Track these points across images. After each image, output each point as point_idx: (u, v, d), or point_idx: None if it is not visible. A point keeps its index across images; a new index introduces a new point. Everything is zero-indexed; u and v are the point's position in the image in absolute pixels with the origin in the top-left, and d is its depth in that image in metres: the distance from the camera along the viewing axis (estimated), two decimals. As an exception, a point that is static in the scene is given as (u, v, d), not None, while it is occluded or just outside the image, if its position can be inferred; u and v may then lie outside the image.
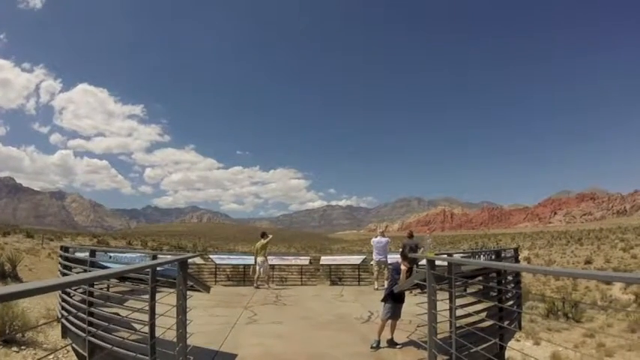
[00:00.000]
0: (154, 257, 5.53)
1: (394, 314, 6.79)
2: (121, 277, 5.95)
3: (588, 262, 44.68)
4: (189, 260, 15.37)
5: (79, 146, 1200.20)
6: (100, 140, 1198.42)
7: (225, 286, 15.79)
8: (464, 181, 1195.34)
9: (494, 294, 6.78)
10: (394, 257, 14.96)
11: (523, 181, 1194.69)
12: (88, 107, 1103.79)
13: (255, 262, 15.07)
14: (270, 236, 15.73)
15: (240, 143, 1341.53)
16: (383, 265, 14.71)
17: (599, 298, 23.64)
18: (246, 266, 16.83)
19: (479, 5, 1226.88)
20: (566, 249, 61.45)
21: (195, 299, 11.32)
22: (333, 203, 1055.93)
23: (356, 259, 17.51)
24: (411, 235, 15.01)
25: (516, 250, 7.93)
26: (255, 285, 14.71)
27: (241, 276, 16.86)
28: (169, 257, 5.20)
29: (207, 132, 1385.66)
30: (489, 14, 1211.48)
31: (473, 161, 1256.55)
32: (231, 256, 17.58)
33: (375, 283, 14.72)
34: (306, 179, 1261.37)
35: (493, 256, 7.20)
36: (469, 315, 5.48)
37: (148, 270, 4.82)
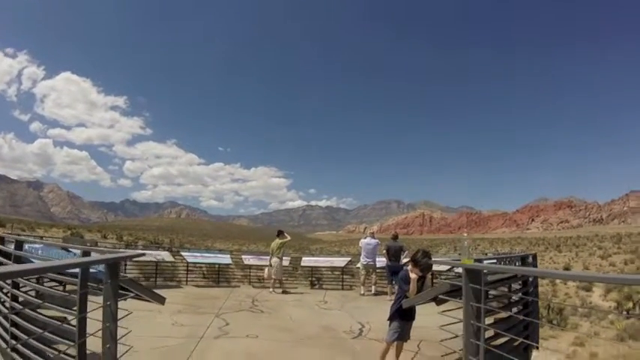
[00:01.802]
0: (85, 254, 4.05)
1: (402, 335, 5.36)
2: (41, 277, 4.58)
3: (567, 268, 44.52)
4: (160, 257, 13.94)
5: (59, 136, 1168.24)
6: (81, 131, 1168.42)
7: (198, 286, 14.40)
8: (444, 186, 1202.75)
9: (520, 306, 5.55)
10: (381, 260, 13.83)
11: (502, 187, 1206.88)
12: (70, 96, 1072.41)
13: (270, 263, 13.81)
14: (288, 237, 14.55)
15: (222, 139, 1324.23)
16: (371, 270, 13.56)
17: (580, 305, 23.05)
18: (221, 265, 15.47)
19: (461, 12, 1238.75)
20: (545, 255, 61.47)
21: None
22: (313, 203, 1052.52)
23: (340, 261, 16.18)
24: (395, 237, 13.73)
25: (535, 256, 6.76)
26: (270, 290, 13.40)
27: (216, 276, 15.50)
28: (97, 256, 3.81)
29: (190, 127, 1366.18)
30: (471, 21, 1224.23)
31: (453, 166, 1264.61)
32: (205, 254, 16.18)
33: (362, 288, 13.52)
34: (286, 178, 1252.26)
35: (518, 262, 6.01)
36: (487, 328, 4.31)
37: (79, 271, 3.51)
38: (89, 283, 3.52)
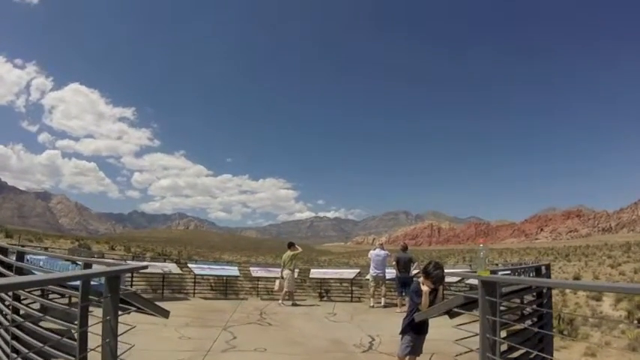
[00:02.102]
0: (87, 266, 3.91)
1: (415, 349, 5.12)
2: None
3: (576, 278, 43.82)
4: (167, 269, 13.81)
5: (68, 147, 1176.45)
6: (89, 142, 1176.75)
7: (205, 298, 14.25)
8: (452, 196, 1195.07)
9: (535, 318, 5.33)
10: (391, 272, 13.64)
11: (510, 197, 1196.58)
12: (79, 108, 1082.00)
13: (281, 275, 13.64)
14: (299, 249, 14.34)
15: (231, 151, 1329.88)
16: (381, 281, 13.36)
17: (590, 315, 22.61)
18: (228, 277, 15.34)
19: (470, 18, 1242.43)
20: (554, 265, 60.66)
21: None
22: (321, 215, 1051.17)
23: (349, 272, 15.94)
24: (405, 248, 13.66)
25: (548, 266, 6.56)
26: (280, 301, 13.21)
27: (224, 288, 15.36)
28: (97, 269, 3.66)
29: (198, 138, 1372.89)
30: (479, 26, 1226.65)
31: (461, 176, 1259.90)
32: (212, 266, 16.01)
33: (371, 300, 13.34)
34: (295, 190, 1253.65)
35: (533, 273, 5.80)
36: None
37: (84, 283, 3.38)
38: (91, 297, 3.39)
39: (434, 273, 4.98)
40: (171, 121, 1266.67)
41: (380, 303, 13.20)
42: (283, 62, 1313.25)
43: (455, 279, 12.54)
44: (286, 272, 13.42)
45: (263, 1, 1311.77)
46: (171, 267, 14.90)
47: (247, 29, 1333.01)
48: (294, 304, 13.29)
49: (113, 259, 15.82)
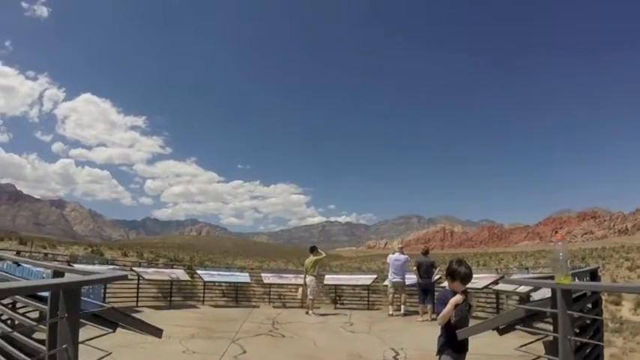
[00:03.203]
0: (57, 274, 3.15)
1: None
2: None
3: (613, 281, 42.58)
4: (175, 276, 13.11)
5: (81, 155, 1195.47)
6: (102, 150, 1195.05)
7: (215, 306, 13.56)
8: (464, 200, 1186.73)
9: (595, 328, 4.51)
10: (411, 277, 12.74)
11: (523, 199, 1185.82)
12: (91, 117, 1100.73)
13: (305, 282, 12.80)
14: (323, 254, 13.45)
15: (242, 157, 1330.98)
16: (400, 288, 12.49)
17: (610, 320, 21.59)
18: (238, 284, 14.65)
19: (479, 19, 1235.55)
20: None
21: (171, 325, 9.12)
22: (333, 219, 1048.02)
23: (366, 278, 15.04)
24: (426, 252, 12.63)
25: (596, 271, 5.72)
26: (308, 312, 12.31)
27: (235, 294, 14.67)
28: (45, 280, 2.92)
29: (209, 145, 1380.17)
30: (489, 27, 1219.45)
31: (473, 179, 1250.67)
32: (222, 272, 15.32)
33: (390, 308, 12.40)
34: (306, 195, 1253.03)
35: (587, 278, 4.99)
36: None
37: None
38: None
39: (460, 269, 4.10)
40: (183, 129, 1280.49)
41: (399, 311, 12.30)
42: (293, 69, 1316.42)
43: (481, 284, 11.51)
44: (309, 279, 12.61)
45: (273, 8, 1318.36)
46: (179, 273, 14.25)
47: (257, 35, 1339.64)
48: (308, 312, 12.44)
49: (124, 265, 15.26)
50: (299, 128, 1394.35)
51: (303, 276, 13.06)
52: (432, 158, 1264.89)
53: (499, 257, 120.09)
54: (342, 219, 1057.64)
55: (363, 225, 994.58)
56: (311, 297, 12.48)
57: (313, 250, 13.28)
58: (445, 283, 12.22)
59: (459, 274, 4.07)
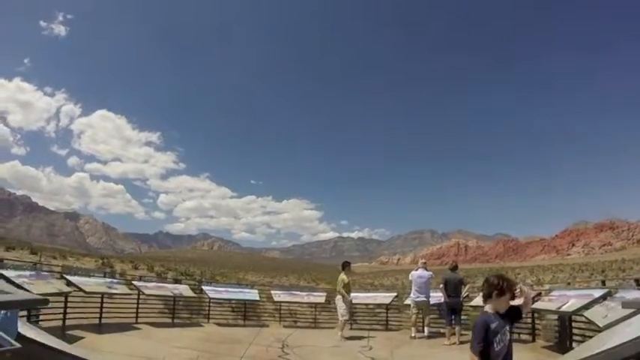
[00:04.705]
0: None
1: None
2: None
3: (616, 294, 40.77)
4: (178, 292, 12.17)
5: (96, 170, 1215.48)
6: (117, 165, 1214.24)
7: (221, 324, 12.55)
8: (478, 213, 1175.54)
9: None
10: (436, 296, 11.56)
11: (538, 212, 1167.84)
12: (106, 133, 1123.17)
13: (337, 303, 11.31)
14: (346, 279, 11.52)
15: (255, 173, 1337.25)
16: (424, 307, 11.29)
17: None
18: (247, 302, 13.64)
19: (485, 25, 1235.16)
20: (591, 282, 57.12)
21: (168, 346, 8.12)
22: (345, 235, 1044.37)
23: (384, 297, 13.84)
24: (454, 268, 11.20)
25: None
26: (340, 335, 10.77)
27: (243, 311, 13.67)
28: None
29: (222, 160, 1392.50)
30: (499, 32, 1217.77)
31: (487, 193, 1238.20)
32: (229, 289, 14.30)
33: (412, 329, 11.17)
34: (318, 210, 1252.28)
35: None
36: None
37: None
38: None
39: (505, 284, 3.17)
40: (196, 145, 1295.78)
41: (423, 333, 11.08)
42: (307, 83, 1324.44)
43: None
44: (337, 298, 11.23)
45: (283, 21, 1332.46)
46: (183, 289, 13.26)
47: (268, 52, 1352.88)
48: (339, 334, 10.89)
49: (133, 277, 14.41)
50: (312, 144, 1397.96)
51: (305, 293, 12.73)
52: (445, 173, 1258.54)
53: (515, 272, 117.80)
54: (355, 234, 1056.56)
55: (376, 240, 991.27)
56: (343, 317, 11.00)
57: (345, 266, 11.72)
58: (475, 302, 11.11)
59: (511, 284, 3.18)
